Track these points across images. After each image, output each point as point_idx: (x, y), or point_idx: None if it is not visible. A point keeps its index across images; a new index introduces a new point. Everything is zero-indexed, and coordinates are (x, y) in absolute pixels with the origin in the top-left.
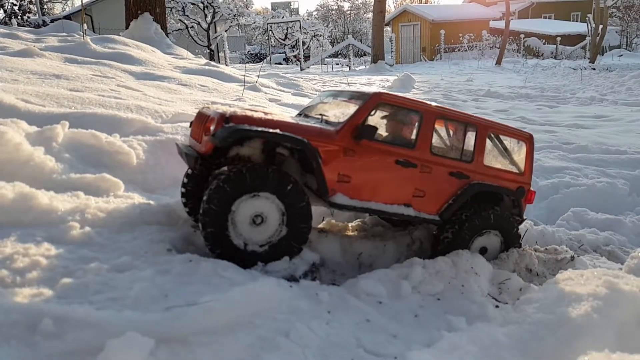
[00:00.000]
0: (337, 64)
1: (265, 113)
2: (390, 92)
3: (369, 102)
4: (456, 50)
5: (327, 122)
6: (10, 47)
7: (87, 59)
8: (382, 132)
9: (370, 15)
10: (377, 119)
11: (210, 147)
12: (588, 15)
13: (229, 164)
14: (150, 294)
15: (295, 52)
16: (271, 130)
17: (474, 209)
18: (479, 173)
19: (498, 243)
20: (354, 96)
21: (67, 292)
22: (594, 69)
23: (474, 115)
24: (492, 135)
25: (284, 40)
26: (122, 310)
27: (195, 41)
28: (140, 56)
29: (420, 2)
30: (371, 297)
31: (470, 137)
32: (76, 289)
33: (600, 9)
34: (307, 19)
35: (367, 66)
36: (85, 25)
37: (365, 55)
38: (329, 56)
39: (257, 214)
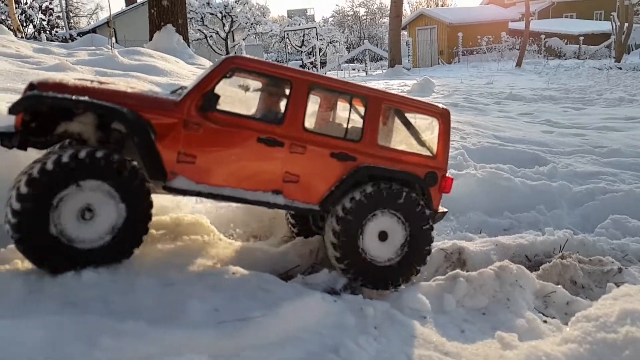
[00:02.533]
0: (354, 69)
1: (101, 83)
2: (250, 56)
3: (220, 67)
4: (474, 52)
5: (181, 93)
6: (45, 62)
7: (115, 71)
8: (243, 104)
9: (386, 20)
10: (234, 89)
11: (18, 119)
12: (612, 13)
13: (55, 142)
14: (201, 309)
15: (312, 59)
16: (72, 97)
17: (360, 188)
18: (369, 155)
19: (400, 228)
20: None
21: (118, 306)
22: (620, 68)
23: (365, 85)
24: (390, 109)
25: (300, 47)
26: (175, 326)
27: (214, 50)
28: (165, 67)
29: (437, 6)
30: (415, 312)
31: (359, 112)
32: (127, 303)
33: (625, 7)
34: (323, 26)
35: (384, 71)
36: (113, 39)
37: (381, 59)
38: (346, 62)
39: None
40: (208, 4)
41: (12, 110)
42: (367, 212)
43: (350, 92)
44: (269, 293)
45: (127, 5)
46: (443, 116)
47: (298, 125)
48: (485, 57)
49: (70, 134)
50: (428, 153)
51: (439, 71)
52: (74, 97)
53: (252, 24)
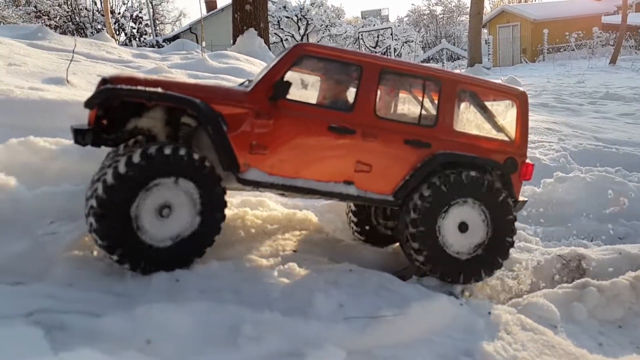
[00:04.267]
0: None
1: (175, 79)
2: (319, 43)
3: (289, 54)
4: (562, 50)
5: (250, 84)
6: (144, 65)
7: (206, 74)
8: (313, 92)
9: (464, 18)
10: (302, 77)
11: (91, 116)
12: None
13: (127, 139)
14: (327, 304)
15: None
16: (147, 89)
17: (438, 175)
18: (446, 140)
19: (480, 218)
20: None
21: (249, 297)
22: None
23: (440, 68)
24: (466, 92)
25: (374, 47)
26: (307, 318)
27: None
28: (251, 70)
29: (520, 2)
30: (544, 320)
31: (433, 96)
32: (257, 294)
33: None
34: (398, 26)
35: (463, 70)
36: (204, 43)
37: (459, 59)
38: (422, 61)
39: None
40: (284, 7)
41: (88, 104)
42: (447, 201)
43: (423, 75)
44: (392, 292)
45: (207, 11)
46: (521, 99)
47: (369, 112)
48: (574, 54)
49: (140, 129)
50: (506, 138)
51: (522, 70)
52: (147, 89)
53: (326, 26)
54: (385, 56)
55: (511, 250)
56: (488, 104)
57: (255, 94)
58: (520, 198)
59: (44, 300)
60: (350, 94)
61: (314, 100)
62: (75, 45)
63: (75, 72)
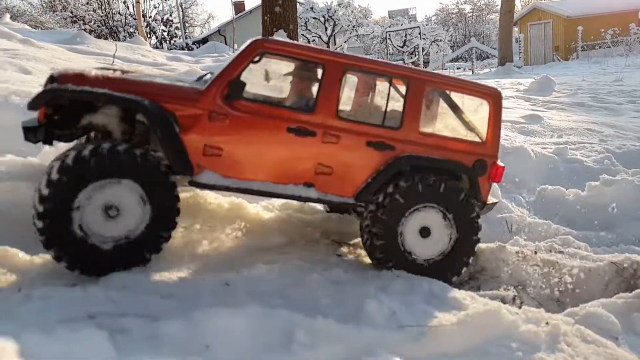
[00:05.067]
0: (459, 68)
1: (123, 72)
2: (278, 38)
3: (247, 50)
4: (596, 47)
5: (207, 80)
6: (178, 68)
7: None
8: (271, 91)
9: (493, 16)
10: (262, 75)
11: (40, 112)
12: None
13: (82, 135)
14: (379, 311)
15: (414, 59)
16: (94, 90)
17: (398, 180)
18: (411, 143)
19: (442, 223)
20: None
21: (298, 301)
22: None
23: (404, 65)
24: (435, 92)
25: (402, 47)
26: (360, 325)
27: None
28: None
29: None
30: (604, 331)
31: (399, 95)
32: (305, 299)
33: None
34: (426, 25)
35: (492, 69)
36: (236, 45)
37: (488, 57)
38: (450, 60)
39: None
40: (311, 8)
41: (32, 105)
42: (404, 209)
43: (389, 74)
44: (444, 300)
45: (236, 13)
46: (494, 97)
47: (331, 113)
48: (610, 51)
49: (95, 125)
50: (476, 139)
51: (554, 68)
52: (92, 90)
53: (353, 27)
54: (348, 53)
55: (560, 256)
56: (459, 103)
57: (209, 93)
58: (490, 199)
59: (103, 303)
60: (312, 93)
61: (272, 99)
62: (116, 50)
63: None
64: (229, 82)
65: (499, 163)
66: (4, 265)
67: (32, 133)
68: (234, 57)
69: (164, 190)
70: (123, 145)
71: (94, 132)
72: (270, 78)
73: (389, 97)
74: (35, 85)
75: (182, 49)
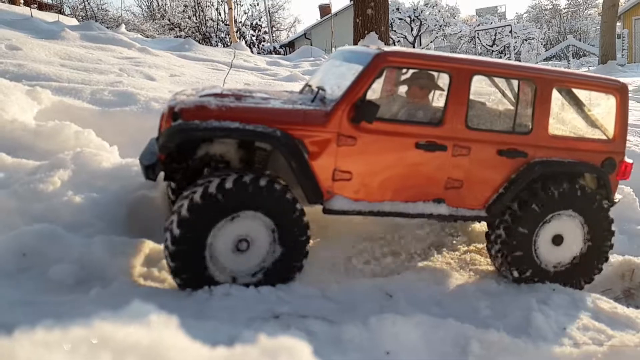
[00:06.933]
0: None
1: (238, 97)
2: (401, 49)
3: (370, 67)
4: None
5: (322, 98)
6: (279, 73)
7: None
8: (393, 106)
9: (591, 11)
10: (384, 89)
11: (161, 154)
12: None
13: (196, 167)
14: (548, 325)
15: (504, 58)
16: (222, 125)
17: (531, 189)
18: (542, 147)
19: (579, 228)
20: (358, 56)
21: (457, 311)
22: None
23: (530, 65)
24: (561, 91)
25: (491, 46)
26: (533, 340)
27: None
28: None
29: None
30: None
31: (527, 98)
32: (463, 309)
33: None
34: (518, 23)
35: (591, 68)
36: (334, 49)
37: (585, 55)
38: (543, 60)
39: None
40: (397, 9)
41: (164, 148)
42: (541, 218)
43: (517, 76)
44: (613, 317)
45: (321, 16)
46: (621, 91)
47: (460, 124)
48: None
49: (212, 155)
50: (604, 136)
51: None
52: (223, 126)
53: (440, 26)
54: (472, 57)
55: None
56: (585, 100)
57: (335, 116)
58: (617, 198)
59: (278, 303)
60: (438, 104)
61: (397, 115)
62: (234, 57)
63: (227, 81)
64: (354, 103)
65: (627, 160)
66: None
67: (151, 170)
68: (358, 75)
69: (293, 221)
70: (249, 175)
71: (212, 162)
72: (393, 93)
73: (518, 101)
74: (164, 91)
75: (270, 52)
